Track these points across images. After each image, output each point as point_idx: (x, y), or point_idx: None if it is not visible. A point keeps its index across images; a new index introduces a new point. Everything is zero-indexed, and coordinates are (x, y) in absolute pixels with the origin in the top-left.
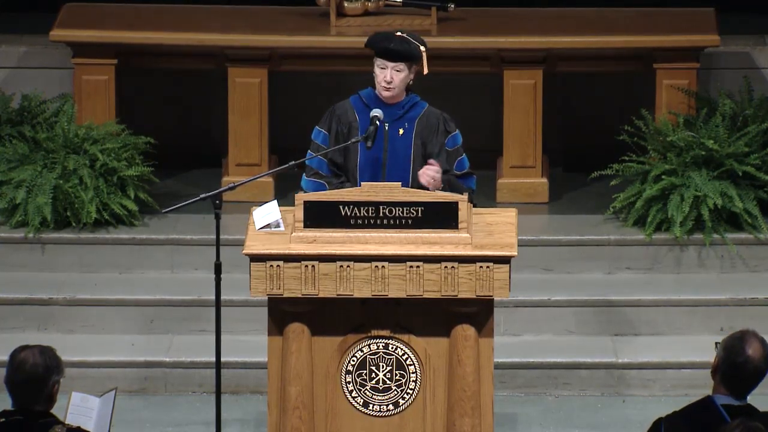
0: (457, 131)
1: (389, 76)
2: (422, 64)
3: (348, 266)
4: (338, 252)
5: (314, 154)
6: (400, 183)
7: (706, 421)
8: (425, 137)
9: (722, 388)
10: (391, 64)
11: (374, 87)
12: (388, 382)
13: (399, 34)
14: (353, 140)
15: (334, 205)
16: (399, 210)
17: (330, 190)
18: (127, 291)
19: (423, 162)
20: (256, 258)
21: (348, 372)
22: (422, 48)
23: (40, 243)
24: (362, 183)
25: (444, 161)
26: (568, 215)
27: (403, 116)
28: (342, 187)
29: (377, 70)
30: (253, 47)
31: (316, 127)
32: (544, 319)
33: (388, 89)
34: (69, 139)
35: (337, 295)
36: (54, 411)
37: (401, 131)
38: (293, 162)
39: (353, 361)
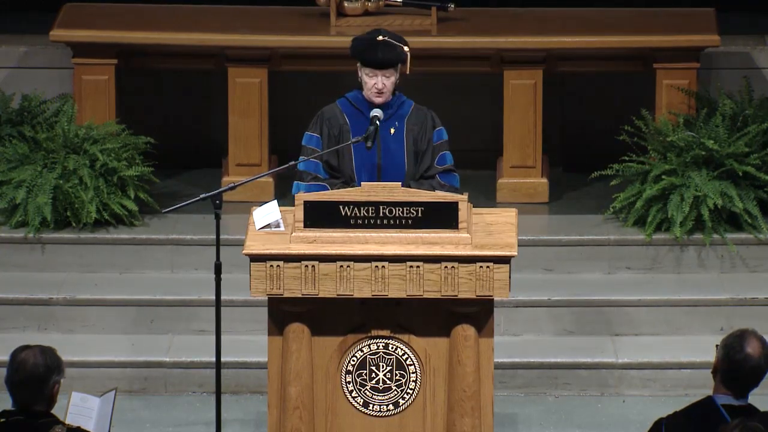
0: (443, 127)
1: (380, 84)
2: (405, 64)
3: (348, 266)
4: (338, 252)
5: (308, 158)
6: (400, 183)
7: (706, 421)
8: (416, 134)
9: (722, 387)
10: (380, 72)
11: (360, 89)
12: (388, 382)
13: (381, 38)
14: (353, 140)
15: (334, 205)
16: (399, 210)
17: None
18: (127, 291)
19: (416, 159)
20: (256, 258)
21: (348, 372)
22: (405, 48)
23: (40, 243)
24: (362, 183)
25: (430, 157)
26: (568, 215)
27: (392, 115)
28: (345, 188)
29: (366, 78)
30: (253, 47)
31: (307, 132)
32: (544, 319)
33: (380, 95)
34: (69, 139)
35: (337, 295)
36: (54, 411)
37: (392, 130)
38: (293, 162)
39: (353, 361)
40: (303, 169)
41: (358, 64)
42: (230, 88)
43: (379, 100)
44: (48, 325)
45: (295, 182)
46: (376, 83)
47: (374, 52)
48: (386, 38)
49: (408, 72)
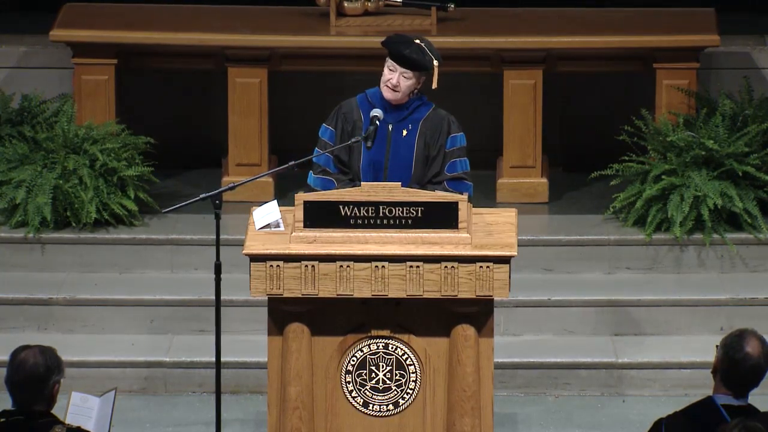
0: (461, 134)
1: (396, 80)
2: (432, 77)
3: (348, 266)
4: (338, 252)
5: (321, 152)
6: (400, 183)
7: (706, 421)
8: (429, 139)
9: (722, 387)
10: (400, 69)
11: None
12: (388, 382)
13: (418, 42)
14: (353, 140)
15: (334, 205)
16: (399, 210)
17: (338, 187)
18: (127, 291)
19: (425, 163)
20: (256, 258)
21: (348, 372)
22: (435, 63)
23: (40, 243)
24: (362, 183)
25: (440, 163)
26: (568, 215)
27: (407, 117)
28: (350, 185)
29: (386, 70)
30: (253, 47)
31: (324, 124)
32: (544, 319)
33: (392, 91)
34: (69, 139)
35: (337, 295)
36: (54, 411)
37: (405, 132)
38: (293, 162)
39: (353, 361)
40: (315, 161)
41: (386, 59)
42: (230, 88)
43: (388, 95)
44: (48, 325)
45: (310, 171)
46: (392, 78)
47: (404, 47)
48: (422, 44)
49: (434, 87)
